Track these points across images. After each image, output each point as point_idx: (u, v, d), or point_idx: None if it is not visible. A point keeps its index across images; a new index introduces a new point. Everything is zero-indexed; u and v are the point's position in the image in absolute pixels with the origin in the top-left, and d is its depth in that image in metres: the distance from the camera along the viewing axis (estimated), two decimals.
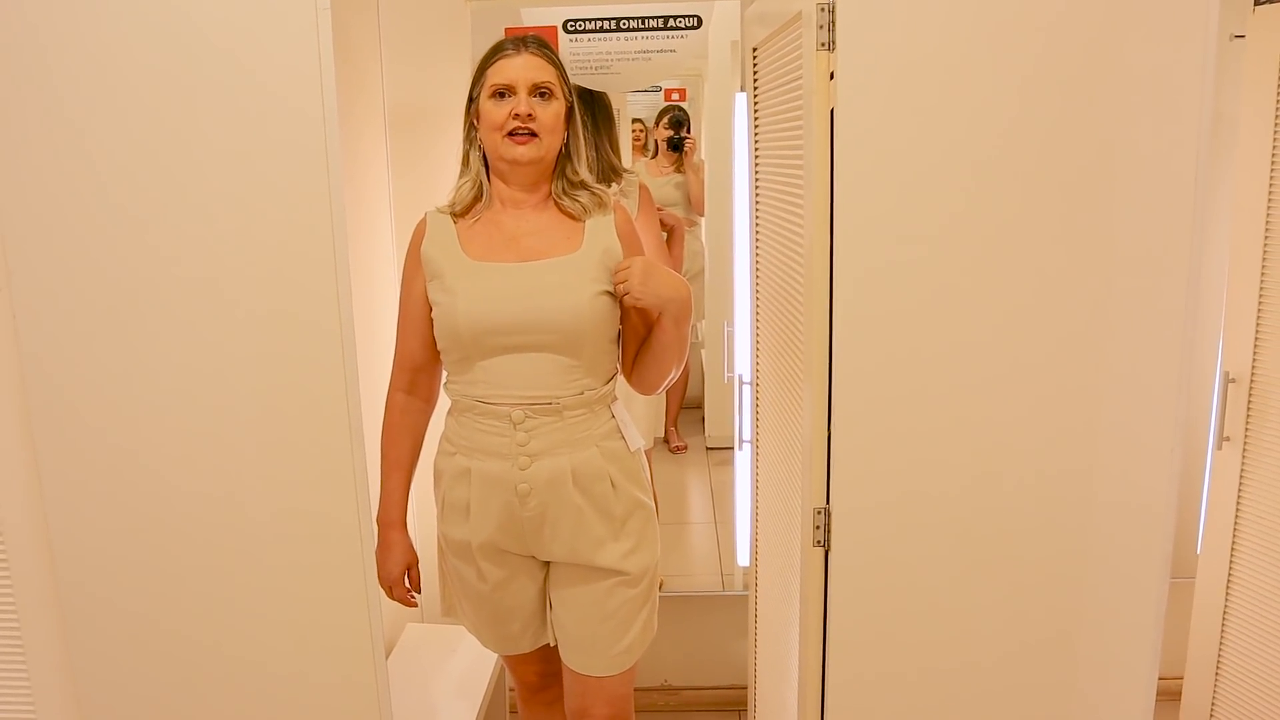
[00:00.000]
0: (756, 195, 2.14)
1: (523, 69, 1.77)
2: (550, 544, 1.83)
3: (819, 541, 1.59)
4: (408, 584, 1.92)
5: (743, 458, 2.77)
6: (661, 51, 2.42)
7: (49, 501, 1.68)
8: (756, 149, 2.13)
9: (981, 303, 1.49)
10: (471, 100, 1.83)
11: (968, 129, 1.45)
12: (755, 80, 2.10)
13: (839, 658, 1.61)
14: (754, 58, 2.10)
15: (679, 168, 3.41)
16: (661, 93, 3.45)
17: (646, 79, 2.41)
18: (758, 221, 2.15)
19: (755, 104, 2.10)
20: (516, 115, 1.74)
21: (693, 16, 2.43)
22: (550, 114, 1.78)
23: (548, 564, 1.89)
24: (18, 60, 1.54)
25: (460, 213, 1.84)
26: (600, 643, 1.87)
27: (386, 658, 2.18)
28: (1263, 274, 2.18)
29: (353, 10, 2.45)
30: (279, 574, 1.71)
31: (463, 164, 1.87)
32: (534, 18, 2.42)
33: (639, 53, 2.42)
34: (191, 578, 1.72)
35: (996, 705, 1.62)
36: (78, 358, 1.63)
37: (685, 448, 3.66)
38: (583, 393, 1.79)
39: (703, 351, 3.48)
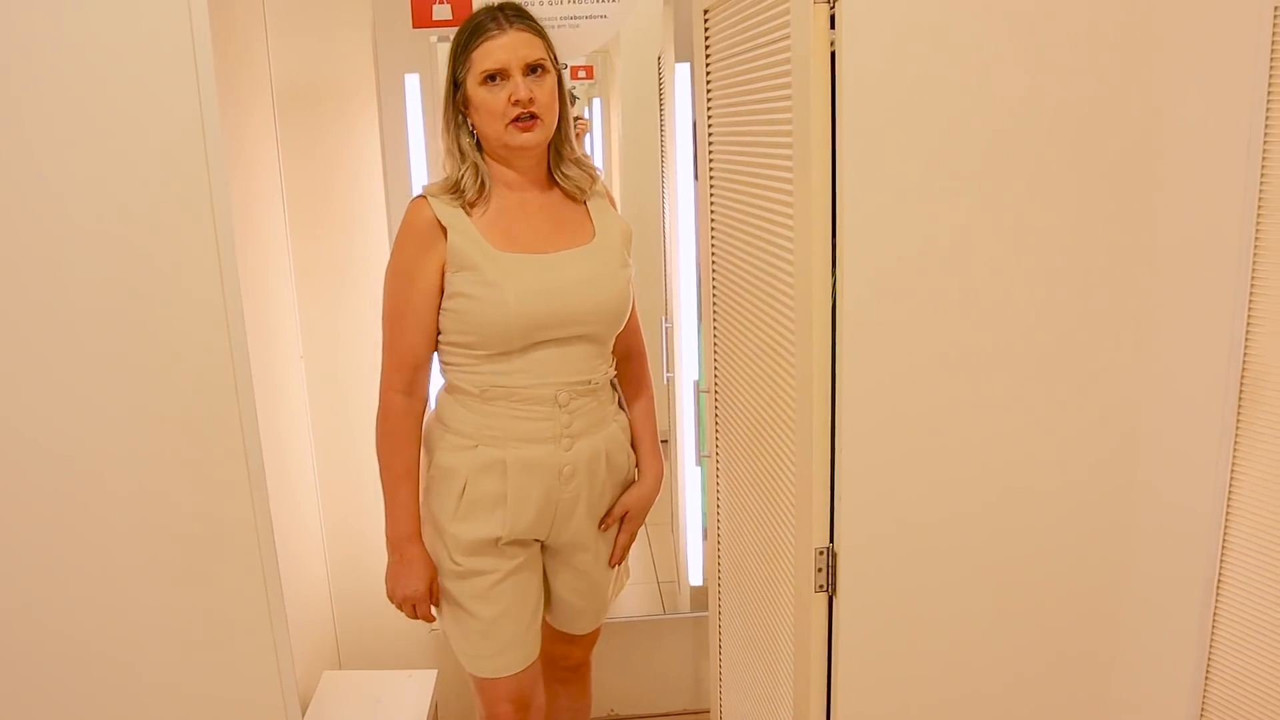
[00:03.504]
0: (711, 177, 1.89)
1: (513, 48, 1.64)
2: (579, 523, 1.81)
3: (821, 586, 1.35)
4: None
5: (691, 468, 2.54)
6: (591, 18, 2.14)
7: None
8: (710, 125, 1.87)
9: (1012, 301, 1.27)
10: (456, 86, 1.69)
11: (998, 98, 1.22)
12: (707, 47, 1.84)
13: (850, 715, 1.38)
14: (705, 22, 1.84)
15: None
16: (566, 70, 3.14)
17: (575, 49, 2.13)
18: (713, 207, 1.90)
19: (708, 74, 1.85)
20: (517, 101, 1.63)
21: None
22: (547, 91, 1.67)
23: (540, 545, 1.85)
24: None
25: (470, 202, 1.70)
26: (600, 598, 1.94)
27: (303, 714, 1.92)
28: (1256, 251, 2.01)
29: None
30: (166, 621, 1.49)
31: (453, 155, 1.73)
32: None
33: (565, 19, 2.14)
34: (59, 631, 1.47)
35: None
36: None
37: None
38: (607, 372, 1.80)
39: None
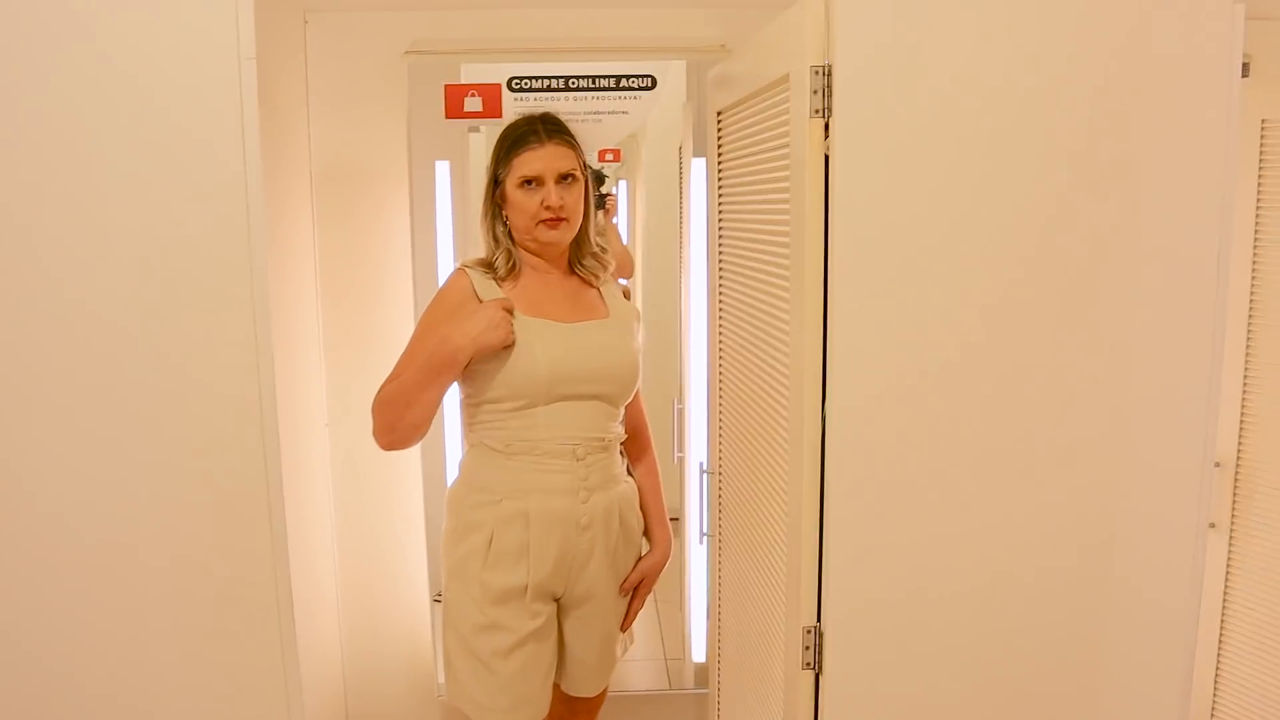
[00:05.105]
0: (721, 267, 1.98)
1: (550, 160, 1.86)
2: (593, 575, 1.94)
3: (808, 664, 1.41)
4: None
5: (696, 548, 2.59)
6: (614, 113, 2.27)
7: None
8: (720, 217, 1.97)
9: (993, 393, 1.34)
10: (497, 183, 1.92)
11: (981, 204, 1.30)
12: (720, 146, 1.95)
13: None
14: (718, 122, 1.95)
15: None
16: (595, 153, 3.26)
17: (598, 142, 2.26)
18: (721, 296, 1.99)
19: (720, 170, 1.95)
20: (548, 207, 1.85)
21: (647, 77, 2.29)
22: (574, 197, 1.90)
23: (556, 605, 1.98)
24: None
25: (501, 278, 1.92)
26: (609, 654, 2.05)
27: None
28: (1247, 355, 2.08)
29: (279, 60, 2.29)
30: (186, 677, 1.55)
31: (488, 241, 1.95)
32: (476, 74, 2.26)
33: (589, 114, 2.27)
34: (83, 691, 1.54)
35: None
36: None
37: None
38: (618, 433, 1.97)
39: None
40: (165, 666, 1.54)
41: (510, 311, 1.84)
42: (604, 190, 3.14)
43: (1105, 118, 1.31)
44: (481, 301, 1.86)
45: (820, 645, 1.40)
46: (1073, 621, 1.40)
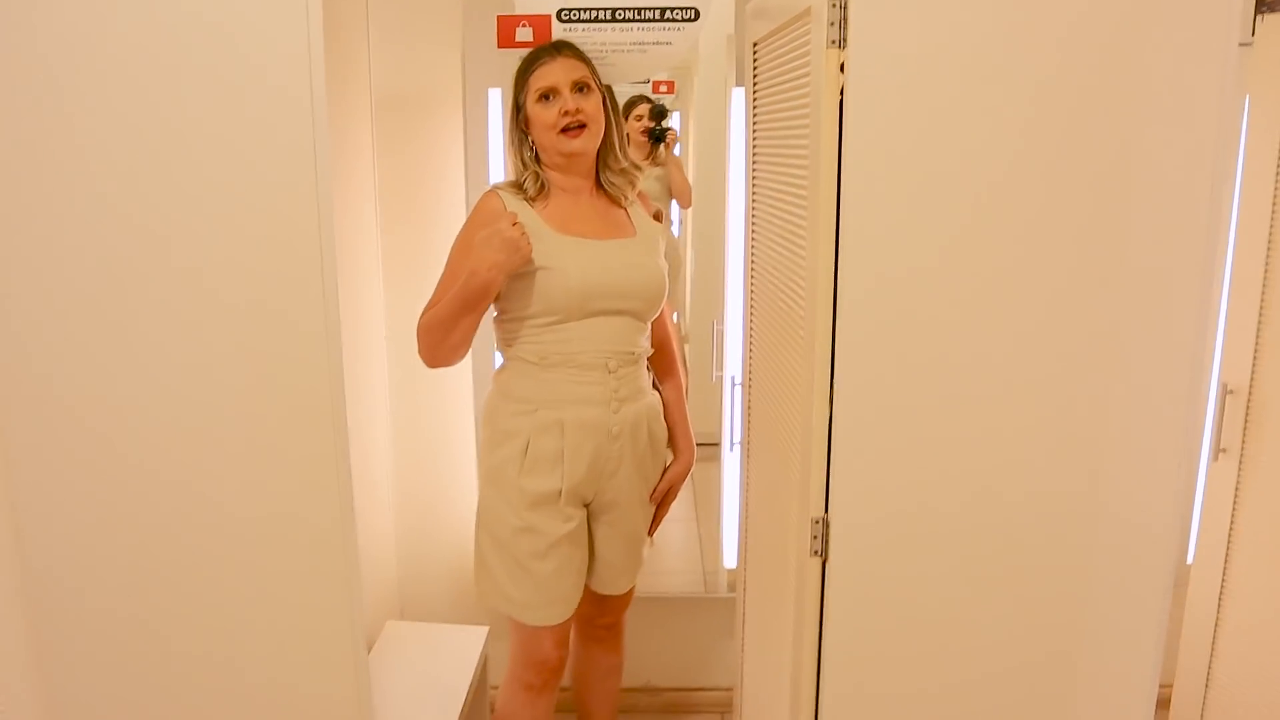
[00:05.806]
0: (753, 192, 2.09)
1: (562, 70, 2.01)
2: (621, 481, 2.10)
3: (816, 551, 1.55)
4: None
5: (730, 458, 2.74)
6: (658, 44, 2.36)
7: (18, 494, 1.64)
8: (755, 145, 2.08)
9: (990, 312, 1.45)
10: (518, 108, 2.06)
11: (981, 133, 1.40)
12: (755, 76, 2.05)
13: (834, 669, 1.57)
14: (754, 53, 2.05)
15: (655, 160, 3.33)
16: (649, 84, 3.37)
17: (642, 71, 2.35)
18: (754, 219, 2.10)
19: (754, 100, 2.05)
20: (566, 113, 1.98)
21: (690, 9, 2.37)
22: (592, 104, 2.02)
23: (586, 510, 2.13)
24: None
25: (531, 198, 2.04)
26: (635, 555, 2.23)
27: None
28: (1264, 285, 2.15)
29: None
30: (257, 567, 1.70)
31: (516, 166, 2.09)
32: (528, 5, 2.36)
33: (634, 44, 2.36)
34: (166, 574, 1.70)
35: None
36: (54, 345, 1.61)
37: None
38: (646, 347, 2.12)
39: (685, 347, 3.43)
40: (234, 561, 1.69)
41: (516, 223, 1.91)
42: (665, 124, 3.26)
43: (1111, 50, 1.38)
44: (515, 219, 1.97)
45: (827, 535, 1.54)
46: (1062, 522, 1.52)
